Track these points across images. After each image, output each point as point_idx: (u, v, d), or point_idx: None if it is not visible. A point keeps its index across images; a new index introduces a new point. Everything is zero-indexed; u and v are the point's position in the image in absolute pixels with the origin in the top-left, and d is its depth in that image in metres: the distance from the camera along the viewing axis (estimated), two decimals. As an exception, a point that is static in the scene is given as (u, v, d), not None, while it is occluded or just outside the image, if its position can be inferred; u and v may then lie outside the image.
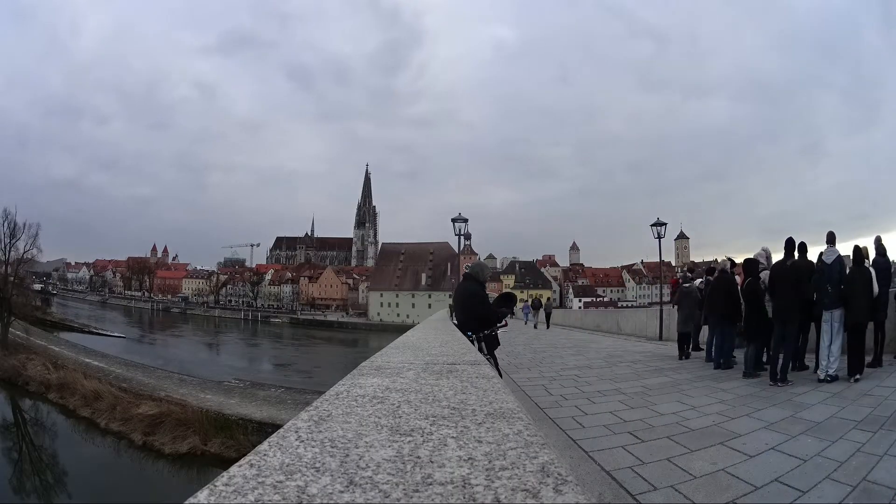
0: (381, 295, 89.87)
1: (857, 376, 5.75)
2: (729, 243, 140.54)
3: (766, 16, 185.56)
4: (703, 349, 9.10)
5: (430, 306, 71.38)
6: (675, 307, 10.04)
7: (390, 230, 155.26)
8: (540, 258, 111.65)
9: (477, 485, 0.72)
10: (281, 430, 0.98)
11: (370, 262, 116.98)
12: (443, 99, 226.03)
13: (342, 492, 0.70)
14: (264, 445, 0.89)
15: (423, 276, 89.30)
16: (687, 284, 9.92)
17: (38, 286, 72.12)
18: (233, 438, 17.88)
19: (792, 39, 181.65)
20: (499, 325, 5.55)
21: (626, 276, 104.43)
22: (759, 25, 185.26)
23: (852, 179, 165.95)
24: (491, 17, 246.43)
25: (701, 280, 9.73)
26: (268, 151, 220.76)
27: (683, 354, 9.09)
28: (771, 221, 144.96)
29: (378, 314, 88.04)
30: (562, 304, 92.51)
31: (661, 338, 14.01)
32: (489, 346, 5.38)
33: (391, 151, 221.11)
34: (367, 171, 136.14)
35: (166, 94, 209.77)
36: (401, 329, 9.66)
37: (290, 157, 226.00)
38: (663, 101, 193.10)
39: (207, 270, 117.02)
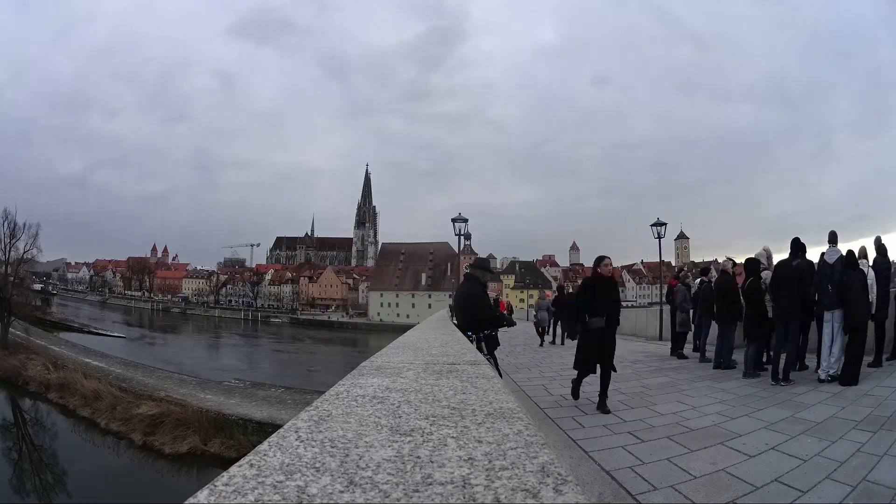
0: (381, 295, 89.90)
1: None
2: (731, 243, 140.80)
3: (795, 24, 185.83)
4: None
5: (430, 306, 71.43)
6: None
7: (394, 231, 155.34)
8: (540, 258, 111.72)
9: (477, 485, 0.72)
10: (281, 430, 0.98)
11: (370, 262, 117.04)
12: (475, 96, 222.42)
13: (342, 492, 0.70)
14: (264, 445, 0.89)
15: (423, 276, 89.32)
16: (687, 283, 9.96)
17: (38, 286, 72.04)
18: (233, 438, 17.88)
19: (815, 47, 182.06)
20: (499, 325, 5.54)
21: (626, 276, 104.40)
22: (789, 33, 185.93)
23: (858, 182, 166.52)
24: (536, 15, 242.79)
25: (701, 279, 9.72)
26: (285, 148, 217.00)
27: (677, 353, 9.12)
28: (774, 222, 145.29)
29: (378, 314, 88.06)
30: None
31: (661, 338, 14.01)
32: (489, 346, 5.37)
33: (416, 149, 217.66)
34: (367, 171, 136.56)
35: (183, 85, 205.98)
36: (401, 329, 9.66)
37: (310, 155, 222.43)
38: (694, 103, 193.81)
39: (207, 270, 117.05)
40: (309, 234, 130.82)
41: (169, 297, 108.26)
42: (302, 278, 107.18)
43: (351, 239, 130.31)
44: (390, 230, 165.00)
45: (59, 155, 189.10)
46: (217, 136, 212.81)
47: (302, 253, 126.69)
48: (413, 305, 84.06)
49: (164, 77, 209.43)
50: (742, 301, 7.20)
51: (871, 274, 6.11)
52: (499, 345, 5.57)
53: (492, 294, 12.63)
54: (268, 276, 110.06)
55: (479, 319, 5.36)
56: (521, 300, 76.22)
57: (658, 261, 21.46)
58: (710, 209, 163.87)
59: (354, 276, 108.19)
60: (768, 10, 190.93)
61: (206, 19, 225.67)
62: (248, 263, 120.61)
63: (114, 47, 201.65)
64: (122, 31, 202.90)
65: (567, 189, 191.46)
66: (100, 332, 56.08)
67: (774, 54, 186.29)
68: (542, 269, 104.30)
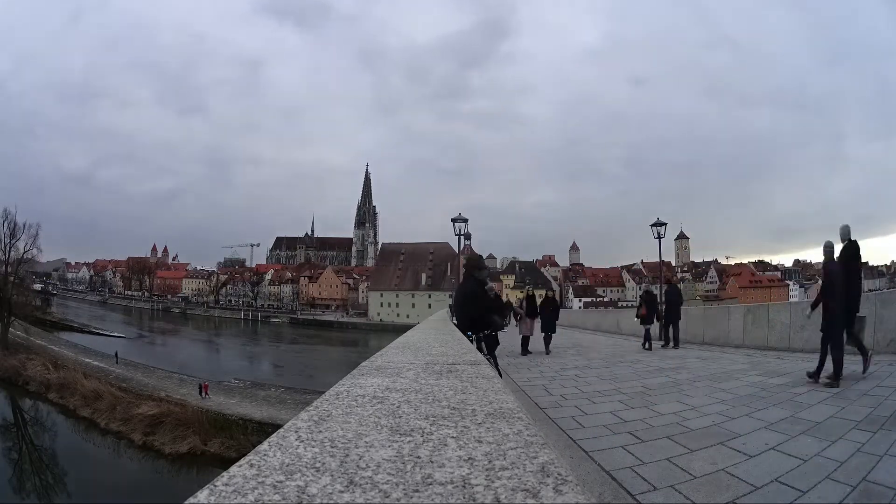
0: (381, 295, 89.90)
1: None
2: (735, 244, 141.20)
3: (823, 32, 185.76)
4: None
5: (430, 306, 71.40)
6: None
7: (405, 230, 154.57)
8: (540, 258, 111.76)
9: (477, 485, 0.72)
10: (281, 430, 0.98)
11: (370, 262, 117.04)
12: (510, 95, 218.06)
13: (342, 492, 0.70)
14: (264, 445, 0.89)
15: (423, 276, 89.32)
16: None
17: (38, 286, 72.10)
18: (233, 438, 17.90)
19: (836, 54, 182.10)
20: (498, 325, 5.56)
21: (625, 276, 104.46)
22: (816, 40, 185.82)
23: (864, 183, 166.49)
24: (581, 12, 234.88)
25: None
26: (304, 145, 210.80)
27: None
28: (779, 223, 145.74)
29: (378, 314, 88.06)
30: (562, 305, 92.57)
31: (661, 337, 14.00)
32: (489, 346, 5.38)
33: (442, 147, 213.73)
34: (367, 171, 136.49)
35: (202, 74, 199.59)
36: (401, 329, 9.68)
37: (330, 153, 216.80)
38: (722, 107, 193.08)
39: (207, 270, 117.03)
40: (309, 234, 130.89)
41: (169, 297, 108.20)
42: (302, 278, 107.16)
43: (351, 239, 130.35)
44: (401, 230, 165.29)
45: (65, 150, 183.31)
46: (234, 131, 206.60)
47: (302, 253, 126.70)
48: (413, 305, 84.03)
49: (182, 65, 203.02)
50: None
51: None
52: (499, 344, 5.58)
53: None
54: (268, 276, 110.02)
55: (477, 320, 5.37)
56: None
57: (658, 261, 21.45)
58: (714, 210, 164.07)
59: (354, 276, 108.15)
60: (800, 19, 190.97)
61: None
62: (248, 263, 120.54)
63: (130, 32, 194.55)
64: (138, 15, 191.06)
65: (586, 190, 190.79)
66: (100, 331, 56.13)
67: (799, 60, 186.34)
68: (542, 269, 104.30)
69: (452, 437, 0.97)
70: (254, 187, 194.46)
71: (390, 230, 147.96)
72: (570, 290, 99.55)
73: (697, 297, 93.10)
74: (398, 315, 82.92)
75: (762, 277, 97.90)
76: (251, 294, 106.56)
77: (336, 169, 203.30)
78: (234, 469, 0.77)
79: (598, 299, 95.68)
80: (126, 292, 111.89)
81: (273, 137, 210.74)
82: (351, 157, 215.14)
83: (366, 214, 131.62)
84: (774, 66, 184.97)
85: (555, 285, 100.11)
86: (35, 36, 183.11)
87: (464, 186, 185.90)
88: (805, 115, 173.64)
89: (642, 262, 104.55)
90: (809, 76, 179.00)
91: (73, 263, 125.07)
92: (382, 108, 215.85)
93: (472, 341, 4.82)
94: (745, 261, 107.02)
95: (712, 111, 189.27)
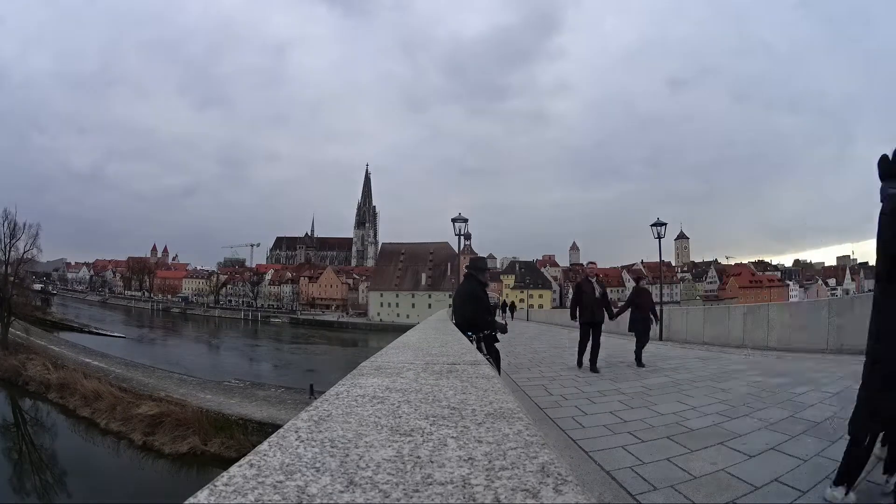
0: (381, 295, 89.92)
1: None
2: (735, 244, 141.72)
3: (847, 39, 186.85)
4: None
5: (430, 306, 71.47)
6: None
7: (400, 230, 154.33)
8: (540, 258, 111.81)
9: (477, 485, 0.72)
10: (281, 430, 0.98)
11: (370, 262, 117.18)
12: (544, 94, 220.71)
13: (342, 492, 0.70)
14: (264, 445, 0.89)
15: (423, 276, 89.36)
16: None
17: (38, 286, 72.16)
18: (233, 438, 17.88)
19: (852, 60, 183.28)
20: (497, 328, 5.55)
21: (625, 276, 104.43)
22: (841, 49, 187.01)
23: (868, 184, 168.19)
24: (627, 14, 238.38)
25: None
26: (326, 141, 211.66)
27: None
28: (783, 223, 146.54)
29: (378, 314, 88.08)
30: (562, 305, 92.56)
31: (661, 338, 14.00)
32: (489, 346, 5.38)
33: (468, 146, 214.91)
34: (367, 171, 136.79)
35: (227, 62, 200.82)
36: (401, 329, 9.69)
37: (351, 151, 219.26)
38: (745, 111, 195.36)
39: (207, 270, 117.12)
40: (309, 234, 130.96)
41: (169, 297, 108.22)
42: (302, 278, 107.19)
43: (351, 239, 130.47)
44: (403, 230, 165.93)
45: (72, 145, 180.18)
46: (254, 125, 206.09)
47: (302, 253, 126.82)
48: (413, 305, 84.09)
49: (205, 52, 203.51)
50: None
51: None
52: (497, 341, 5.59)
53: (493, 294, 12.63)
54: (268, 276, 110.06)
55: (476, 320, 5.36)
56: (521, 300, 76.17)
57: (658, 261, 21.48)
58: (722, 210, 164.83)
59: (354, 276, 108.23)
60: (830, 29, 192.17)
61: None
62: (248, 263, 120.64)
63: (151, 15, 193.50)
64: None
65: (600, 190, 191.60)
66: (100, 332, 56.09)
67: (817, 66, 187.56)
68: (542, 269, 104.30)
69: (452, 437, 0.97)
70: (267, 185, 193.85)
71: (393, 230, 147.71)
72: (570, 291, 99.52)
73: (697, 298, 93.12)
74: (398, 315, 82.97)
75: (762, 277, 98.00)
76: (251, 294, 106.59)
77: (356, 167, 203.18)
78: (234, 469, 0.77)
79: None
80: (126, 292, 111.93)
81: (294, 134, 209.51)
82: (370, 154, 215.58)
83: (366, 214, 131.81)
84: (798, 71, 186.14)
85: (555, 285, 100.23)
86: (47, 16, 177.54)
87: (480, 186, 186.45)
88: (820, 118, 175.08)
89: (642, 262, 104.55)
90: (827, 81, 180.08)
91: (73, 263, 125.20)
92: (412, 105, 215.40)
93: (472, 341, 4.82)
94: (745, 261, 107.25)
95: (736, 113, 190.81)
